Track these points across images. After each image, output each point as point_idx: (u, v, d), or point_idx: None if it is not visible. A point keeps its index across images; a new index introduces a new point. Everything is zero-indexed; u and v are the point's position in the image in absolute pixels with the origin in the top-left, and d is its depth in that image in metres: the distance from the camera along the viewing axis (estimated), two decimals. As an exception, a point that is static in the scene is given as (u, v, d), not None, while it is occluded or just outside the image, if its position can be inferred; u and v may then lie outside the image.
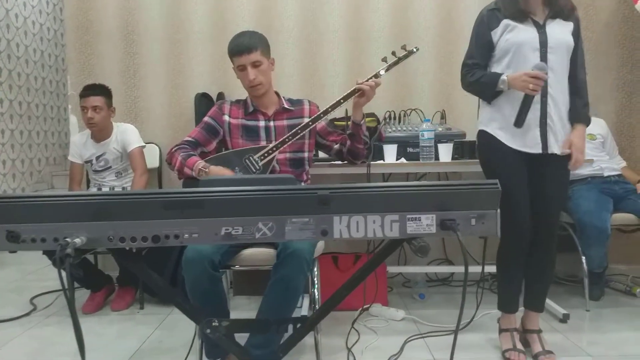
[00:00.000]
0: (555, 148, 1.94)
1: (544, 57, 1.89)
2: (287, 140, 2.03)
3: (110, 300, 2.84)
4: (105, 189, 2.83)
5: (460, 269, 3.01)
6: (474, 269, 2.85)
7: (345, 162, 2.31)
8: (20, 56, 4.85)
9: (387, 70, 2.07)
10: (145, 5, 3.09)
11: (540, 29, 1.91)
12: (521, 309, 2.15)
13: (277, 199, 1.00)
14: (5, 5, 4.61)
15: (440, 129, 2.65)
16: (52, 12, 5.45)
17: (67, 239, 0.98)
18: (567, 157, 1.96)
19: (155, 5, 3.09)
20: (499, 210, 0.99)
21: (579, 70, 1.98)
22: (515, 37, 1.91)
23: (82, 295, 2.83)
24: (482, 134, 2.05)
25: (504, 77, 1.90)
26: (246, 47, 2.01)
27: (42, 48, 5.23)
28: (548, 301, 2.47)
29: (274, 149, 2.03)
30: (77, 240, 0.98)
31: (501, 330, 2.14)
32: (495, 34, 1.96)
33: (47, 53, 5.32)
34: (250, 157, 2.03)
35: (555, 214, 2.04)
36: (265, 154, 2.03)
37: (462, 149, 2.59)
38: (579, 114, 1.98)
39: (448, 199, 0.98)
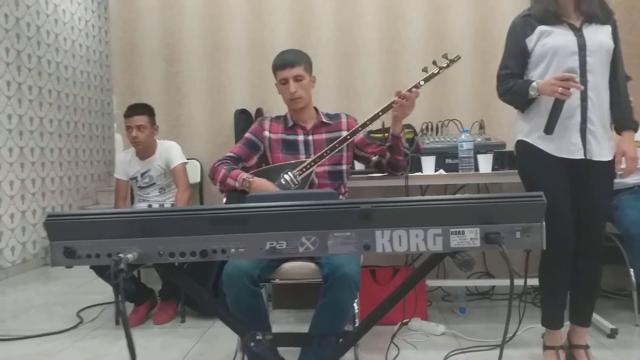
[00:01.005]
0: (597, 154, 1.90)
1: (582, 61, 1.86)
2: (325, 154, 2.05)
3: (152, 314, 2.91)
4: (155, 205, 2.92)
5: (501, 282, 2.95)
6: (516, 282, 2.80)
7: (384, 174, 2.31)
8: (68, 78, 5.09)
9: (427, 80, 2.06)
10: (186, 26, 3.20)
11: (578, 32, 1.88)
12: (567, 323, 2.08)
13: (319, 214, 1.02)
14: (54, 29, 4.86)
15: (479, 140, 2.62)
16: (97, 35, 5.70)
17: (120, 255, 1.02)
18: (611, 163, 1.92)
19: (195, 25, 3.19)
20: (544, 223, 0.97)
21: (619, 73, 1.94)
22: (552, 42, 1.88)
23: (125, 308, 2.91)
24: (521, 143, 2.02)
25: (534, 83, 1.87)
26: (290, 61, 2.07)
27: (88, 69, 5.47)
28: (595, 316, 2.38)
29: (312, 163, 2.05)
30: (130, 256, 1.03)
31: (545, 348, 2.08)
32: (531, 41, 1.94)
33: (92, 74, 5.56)
34: (289, 172, 2.06)
35: (600, 224, 1.99)
36: (304, 169, 2.06)
37: (502, 160, 2.55)
38: (625, 120, 1.93)
39: (492, 212, 0.97)
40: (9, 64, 4.19)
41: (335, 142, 2.06)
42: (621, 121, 1.93)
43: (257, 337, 1.26)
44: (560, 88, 1.75)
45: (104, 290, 3.25)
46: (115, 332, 2.69)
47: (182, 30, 3.21)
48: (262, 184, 2.00)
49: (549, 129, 1.85)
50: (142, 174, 2.93)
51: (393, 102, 2.03)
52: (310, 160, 2.06)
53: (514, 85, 1.95)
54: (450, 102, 3.09)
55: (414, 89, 2.02)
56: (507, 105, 3.00)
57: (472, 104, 3.08)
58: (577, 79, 1.77)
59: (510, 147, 2.69)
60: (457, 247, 0.99)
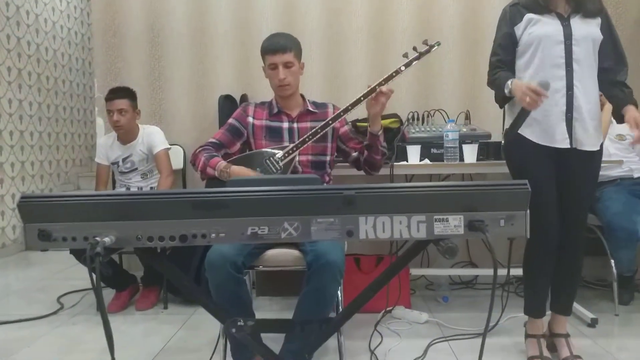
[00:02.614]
0: (583, 143, 1.90)
1: (568, 49, 1.86)
2: (306, 139, 2.03)
3: (134, 300, 2.88)
4: (134, 189, 2.87)
5: (484, 271, 2.98)
6: (499, 271, 2.82)
7: (360, 171, 2.29)
8: (49, 60, 4.97)
9: (407, 66, 2.03)
10: (170, 8, 3.14)
11: (565, 21, 1.88)
12: (548, 312, 2.10)
13: (302, 199, 1.00)
14: (34, 10, 4.74)
15: (464, 130, 2.62)
16: (79, 17, 5.57)
17: (97, 238, 0.99)
18: (597, 153, 1.93)
19: (180, 8, 3.13)
20: (528, 211, 0.97)
21: (613, 61, 1.94)
22: (538, 30, 1.88)
23: (107, 294, 2.88)
24: (508, 134, 2.02)
25: (509, 82, 1.88)
26: (281, 46, 2.03)
27: (69, 52, 5.36)
28: (576, 305, 2.42)
29: (294, 149, 2.03)
30: (107, 240, 1.00)
31: (527, 336, 2.10)
32: (519, 29, 1.94)
33: (74, 57, 5.45)
34: (271, 158, 2.04)
35: (584, 213, 2.01)
36: (286, 154, 2.03)
37: (488, 150, 2.56)
38: (625, 96, 1.93)
39: (476, 200, 0.97)
40: (-13, 44, 4.08)
41: (317, 128, 2.03)
42: (621, 98, 1.93)
43: (239, 324, 1.24)
44: (528, 98, 1.76)
45: (85, 277, 3.13)
46: (96, 319, 2.66)
47: (166, 13, 3.14)
48: (240, 172, 1.97)
49: (512, 130, 1.91)
50: (124, 159, 2.88)
51: (373, 88, 1.99)
52: (292, 145, 2.03)
53: (496, 78, 1.97)
54: (437, 92, 3.09)
55: (394, 75, 1.99)
56: (493, 96, 3.01)
57: (459, 95, 3.08)
58: (547, 95, 1.77)
59: (495, 137, 2.71)
60: (440, 234, 0.98)
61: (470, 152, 2.46)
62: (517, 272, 2.81)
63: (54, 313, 2.75)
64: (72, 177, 5.31)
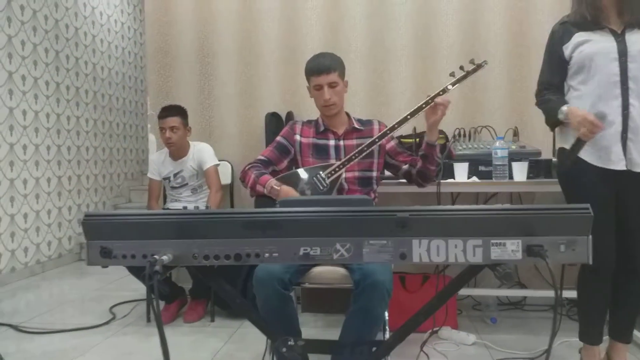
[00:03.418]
0: (638, 165, 1.82)
1: (623, 67, 1.79)
2: (353, 157, 2.03)
3: (182, 312, 2.94)
4: (189, 206, 2.94)
5: (533, 292, 2.87)
6: (548, 293, 2.71)
7: (412, 184, 2.26)
8: (104, 78, 5.21)
9: (454, 84, 2.02)
10: (220, 29, 3.23)
11: (619, 37, 1.81)
12: (606, 338, 2.01)
13: (355, 221, 1.00)
14: (91, 31, 4.99)
15: (514, 147, 2.56)
16: (132, 37, 5.82)
17: (155, 256, 1.03)
18: None
19: (229, 29, 3.22)
20: (590, 237, 0.93)
21: None
22: (590, 48, 1.83)
23: (160, 309, 2.95)
24: (562, 151, 1.96)
25: (564, 107, 1.84)
26: (326, 67, 2.05)
27: (123, 70, 5.59)
28: (636, 332, 2.29)
29: (341, 166, 2.04)
30: (165, 257, 1.03)
31: None
32: (567, 49, 1.89)
33: (127, 75, 5.68)
34: (318, 175, 2.05)
35: None
36: (332, 172, 2.04)
37: (537, 168, 2.48)
38: None
39: (535, 224, 0.94)
40: (48, 64, 4.32)
41: (363, 146, 2.04)
42: None
43: (289, 343, 1.25)
44: (584, 129, 1.73)
45: (136, 288, 3.30)
46: (146, 330, 2.73)
47: (215, 34, 3.24)
48: (289, 192, 1.98)
49: (569, 158, 1.85)
50: (175, 175, 2.96)
51: (422, 105, 1.99)
52: (339, 163, 2.04)
53: (547, 101, 1.93)
54: (484, 108, 3.03)
55: (441, 93, 1.98)
56: (541, 112, 2.93)
57: (506, 111, 3.01)
58: (604, 127, 1.74)
59: (545, 155, 2.63)
60: (497, 259, 0.96)
61: (520, 170, 2.40)
62: (569, 294, 2.74)
63: (106, 323, 2.85)
64: (124, 190, 5.51)
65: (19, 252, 4.00)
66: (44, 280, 3.96)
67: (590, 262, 0.93)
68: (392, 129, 2.04)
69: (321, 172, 2.05)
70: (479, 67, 2.04)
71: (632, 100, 1.80)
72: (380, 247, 1.00)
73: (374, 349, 1.25)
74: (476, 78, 2.97)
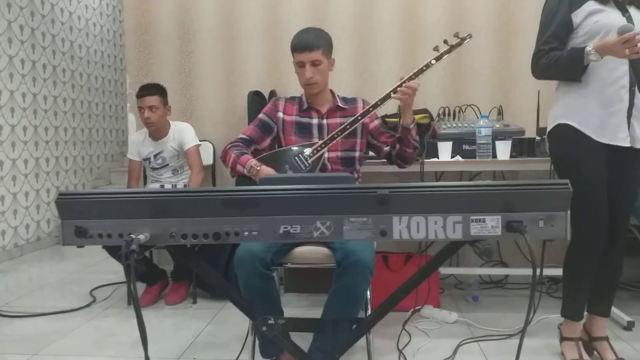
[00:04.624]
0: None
1: None
2: (335, 136, 2.01)
3: (164, 294, 2.92)
4: (167, 186, 2.91)
5: (515, 271, 2.91)
6: (530, 271, 2.76)
7: (393, 165, 2.26)
8: (82, 57, 5.08)
9: (438, 59, 1.99)
10: (200, 5, 3.15)
11: (625, 13, 1.79)
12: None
13: (335, 198, 0.99)
14: (68, 7, 4.84)
15: (497, 126, 2.56)
16: (111, 14, 5.67)
17: (132, 235, 1.01)
18: None
19: (210, 4, 3.14)
20: (569, 212, 0.93)
21: None
22: (605, 19, 1.77)
23: (137, 288, 2.92)
24: (562, 127, 1.89)
25: (589, 48, 1.73)
26: (309, 44, 2.00)
27: (102, 49, 5.46)
28: (612, 307, 2.34)
29: (323, 145, 2.02)
30: (142, 237, 1.01)
31: (564, 339, 2.03)
32: (577, 16, 1.83)
33: (106, 54, 5.55)
34: (300, 155, 2.03)
35: (629, 214, 1.94)
36: (315, 151, 2.02)
37: (521, 147, 2.49)
38: None
39: (515, 200, 0.94)
40: (23, 41, 4.19)
41: (345, 124, 2.01)
42: None
43: (270, 322, 1.24)
44: (627, 50, 1.63)
45: (116, 270, 3.27)
46: (127, 312, 2.71)
47: (196, 10, 3.16)
48: (269, 172, 1.96)
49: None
50: (155, 155, 2.91)
51: (396, 88, 1.96)
52: (321, 142, 2.02)
53: (559, 57, 1.83)
54: (468, 87, 3.02)
55: (425, 68, 1.96)
56: (528, 90, 2.92)
57: (491, 89, 3.00)
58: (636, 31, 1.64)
59: (529, 134, 2.64)
60: (477, 235, 0.95)
61: (503, 149, 2.40)
62: (550, 272, 2.78)
63: (87, 306, 2.82)
64: (104, 172, 5.42)
65: (-3, 234, 3.93)
66: (23, 264, 3.90)
67: (569, 237, 0.93)
68: (375, 106, 2.02)
69: (303, 152, 2.03)
70: (463, 40, 2.01)
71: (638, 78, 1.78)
72: (360, 225, 0.99)
73: (354, 326, 1.25)
74: (461, 56, 2.98)
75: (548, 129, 1.98)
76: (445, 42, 2.01)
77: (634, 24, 1.75)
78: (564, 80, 1.92)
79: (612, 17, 1.77)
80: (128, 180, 3.01)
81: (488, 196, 0.95)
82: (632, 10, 1.82)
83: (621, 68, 1.78)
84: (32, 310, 2.73)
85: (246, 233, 1.01)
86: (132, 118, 3.28)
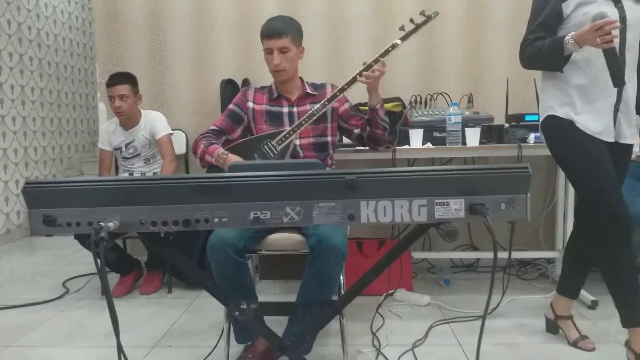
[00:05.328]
0: (624, 136, 1.83)
1: (622, 36, 1.74)
2: (303, 122, 2.02)
3: (139, 285, 2.91)
4: (137, 175, 2.88)
5: (486, 254, 2.99)
6: (500, 254, 2.84)
7: (367, 147, 2.29)
8: (50, 45, 4.95)
9: (404, 39, 2.00)
10: (171, -8, 3.11)
11: (618, 4, 1.77)
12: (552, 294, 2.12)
13: (304, 184, 1.00)
14: (34, -5, 4.70)
15: (467, 113, 2.61)
16: (80, 1, 5.52)
17: (100, 223, 1.01)
18: (631, 147, 1.88)
19: (180, -8, 3.10)
20: (529, 195, 0.97)
21: None
22: (596, 10, 1.72)
23: (111, 279, 2.91)
24: (554, 119, 1.88)
25: (568, 37, 1.72)
26: (277, 31, 2.00)
27: (70, 36, 5.33)
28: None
29: (291, 132, 2.02)
30: (111, 224, 1.01)
31: (559, 317, 2.09)
32: (567, 6, 1.80)
33: (75, 41, 5.42)
34: (269, 142, 2.03)
35: None
36: (283, 139, 2.03)
37: (490, 134, 2.55)
38: None
39: (477, 184, 0.97)
40: (-13, 29, 4.06)
41: (312, 110, 2.02)
42: None
43: (242, 307, 1.26)
44: (598, 39, 1.62)
45: (89, 261, 3.23)
46: (101, 303, 2.69)
47: (166, -3, 3.12)
48: (236, 160, 1.96)
49: (617, 82, 1.68)
50: (127, 145, 2.88)
51: (362, 72, 1.99)
52: (288, 129, 2.03)
53: (542, 46, 1.81)
54: (439, 75, 3.07)
55: (390, 49, 1.98)
56: (497, 78, 2.97)
57: (462, 77, 3.05)
58: (613, 21, 1.62)
59: (498, 120, 2.70)
60: (441, 217, 0.99)
61: (472, 136, 2.46)
62: (519, 255, 2.86)
63: (60, 297, 2.79)
64: (76, 162, 5.32)
65: (-36, 227, 3.84)
66: (-7, 256, 3.83)
67: (528, 219, 0.97)
68: (342, 90, 2.03)
69: (271, 140, 2.03)
70: (429, 18, 2.01)
71: (627, 72, 1.76)
72: (329, 209, 1.01)
73: (325, 308, 1.28)
74: (432, 45, 3.01)
75: (540, 120, 1.96)
76: (412, 20, 2.01)
77: (625, 15, 1.74)
78: (547, 70, 1.92)
79: (603, 9, 1.72)
80: (99, 170, 2.97)
81: (451, 180, 0.98)
82: (627, 2, 1.78)
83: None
84: (3, 303, 2.69)
85: (216, 220, 1.02)
86: (102, 107, 3.22)
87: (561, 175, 2.85)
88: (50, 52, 4.93)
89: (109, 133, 2.91)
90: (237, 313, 1.26)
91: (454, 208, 0.98)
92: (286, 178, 1.00)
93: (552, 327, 2.12)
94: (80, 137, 5.48)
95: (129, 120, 2.84)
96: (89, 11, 5.61)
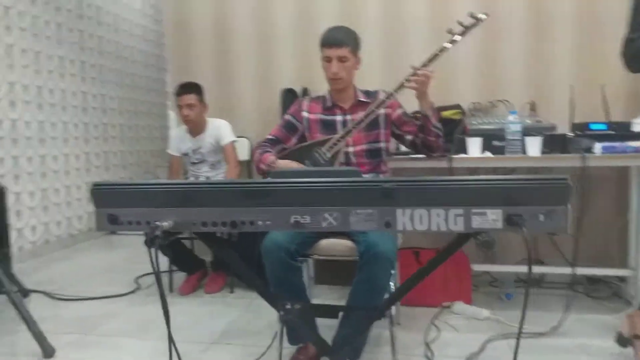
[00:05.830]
0: None
1: None
2: (351, 129, 2.04)
3: (204, 284, 3.06)
4: (202, 179, 3.03)
5: (552, 269, 2.85)
6: (564, 270, 2.69)
7: (421, 155, 2.27)
8: (127, 57, 5.32)
9: (453, 42, 1.98)
10: (235, 3, 3.24)
11: None
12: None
13: (342, 191, 1.04)
14: (113, 9, 5.08)
15: (528, 121, 2.52)
16: (152, 14, 5.89)
17: (156, 223, 1.10)
18: None
19: (245, 3, 3.23)
20: (569, 206, 0.95)
21: None
22: None
23: (180, 277, 3.08)
24: None
25: None
26: (337, 40, 2.05)
27: (145, 48, 5.70)
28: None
29: (340, 139, 2.06)
30: (165, 224, 1.10)
31: (637, 336, 1.92)
32: None
33: (149, 53, 5.78)
34: (318, 149, 2.08)
35: None
36: (332, 145, 2.07)
37: (552, 143, 2.44)
38: None
39: (515, 194, 0.96)
40: (72, 43, 4.44)
41: (360, 117, 2.04)
42: None
43: (287, 307, 1.31)
44: None
45: (162, 261, 3.42)
46: (169, 299, 2.85)
47: (231, 8, 3.25)
48: (286, 165, 2.04)
49: None
50: (194, 151, 3.05)
51: (410, 77, 1.99)
52: (337, 136, 2.06)
53: None
54: (501, 82, 2.97)
55: (438, 53, 1.97)
56: (562, 85, 2.82)
57: (524, 84, 2.94)
58: None
59: (561, 129, 2.58)
60: (478, 227, 0.99)
61: (533, 145, 2.36)
62: (586, 271, 2.70)
63: (132, 292, 3.00)
64: (151, 167, 5.67)
65: (52, 225, 4.20)
66: (76, 252, 4.16)
67: (569, 231, 0.95)
68: (389, 95, 2.03)
69: (321, 147, 2.08)
70: (478, 20, 1.98)
71: None
72: (366, 216, 1.04)
73: (370, 313, 1.30)
74: (495, 51, 2.93)
75: None
76: (460, 23, 1.98)
77: None
78: None
79: None
80: (169, 175, 3.16)
81: (489, 190, 0.98)
82: None
83: None
84: (82, 295, 2.93)
85: (260, 222, 1.09)
86: (172, 115, 3.43)
87: (635, 187, 2.68)
88: (127, 64, 5.31)
89: (178, 139, 3.10)
90: (281, 312, 1.31)
91: (491, 218, 0.98)
92: (325, 185, 1.05)
93: (623, 342, 1.97)
94: (156, 143, 5.82)
95: (195, 128, 3.01)
96: (161, 24, 5.97)
